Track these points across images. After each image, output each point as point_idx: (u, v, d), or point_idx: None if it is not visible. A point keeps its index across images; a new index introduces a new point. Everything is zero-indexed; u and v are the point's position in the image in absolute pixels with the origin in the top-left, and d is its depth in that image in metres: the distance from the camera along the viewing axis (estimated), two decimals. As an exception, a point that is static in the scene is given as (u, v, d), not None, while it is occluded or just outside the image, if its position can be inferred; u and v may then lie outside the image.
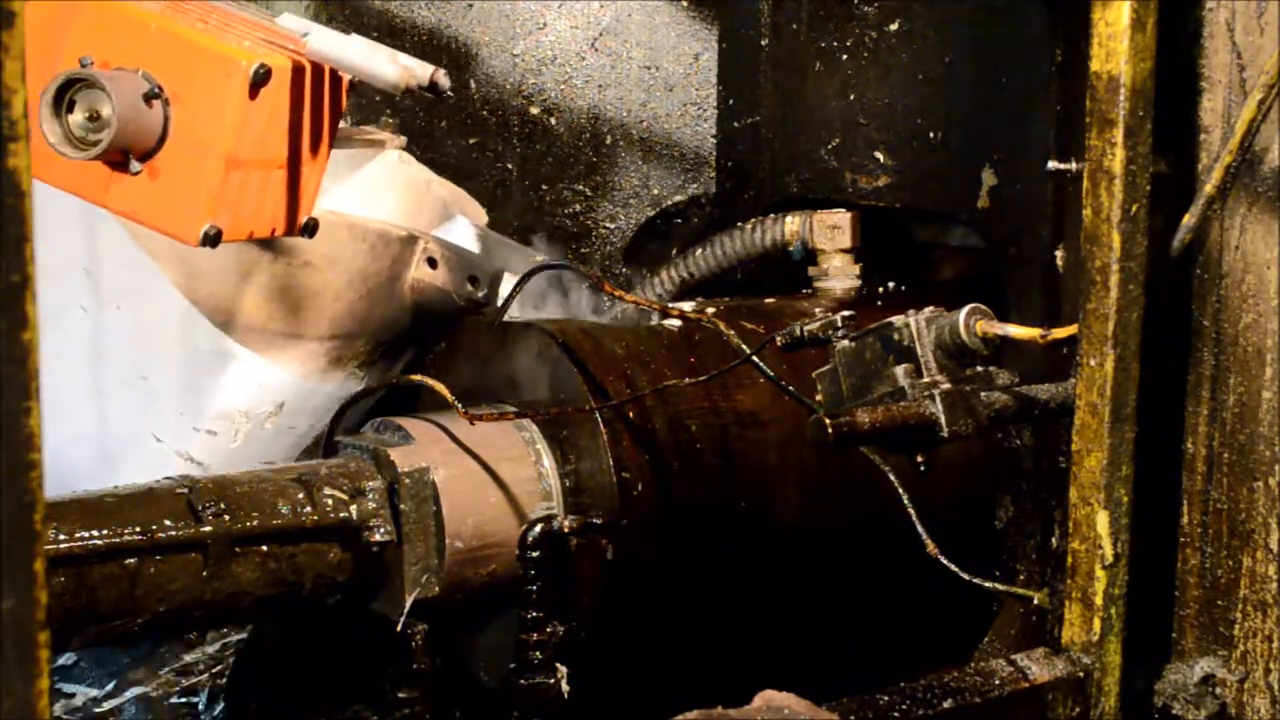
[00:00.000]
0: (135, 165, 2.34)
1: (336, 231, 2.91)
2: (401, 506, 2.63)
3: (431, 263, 3.08)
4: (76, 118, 2.32)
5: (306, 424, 3.12)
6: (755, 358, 2.71)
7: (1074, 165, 2.66)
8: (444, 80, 2.49)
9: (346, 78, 2.57)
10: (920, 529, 2.54)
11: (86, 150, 2.32)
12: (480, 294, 3.09)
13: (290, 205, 2.56)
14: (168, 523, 2.45)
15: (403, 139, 3.28)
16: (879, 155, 3.26)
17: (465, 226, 3.26)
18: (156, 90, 2.32)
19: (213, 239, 2.38)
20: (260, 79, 2.37)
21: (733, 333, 2.79)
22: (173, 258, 2.86)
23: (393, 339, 3.13)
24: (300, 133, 2.52)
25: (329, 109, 2.57)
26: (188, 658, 3.71)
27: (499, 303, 3.01)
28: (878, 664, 3.06)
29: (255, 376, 2.98)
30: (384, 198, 3.10)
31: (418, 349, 3.15)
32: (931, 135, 3.15)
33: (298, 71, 2.47)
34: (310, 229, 2.62)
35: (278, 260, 2.90)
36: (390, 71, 2.46)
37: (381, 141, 3.20)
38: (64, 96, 2.31)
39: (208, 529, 2.47)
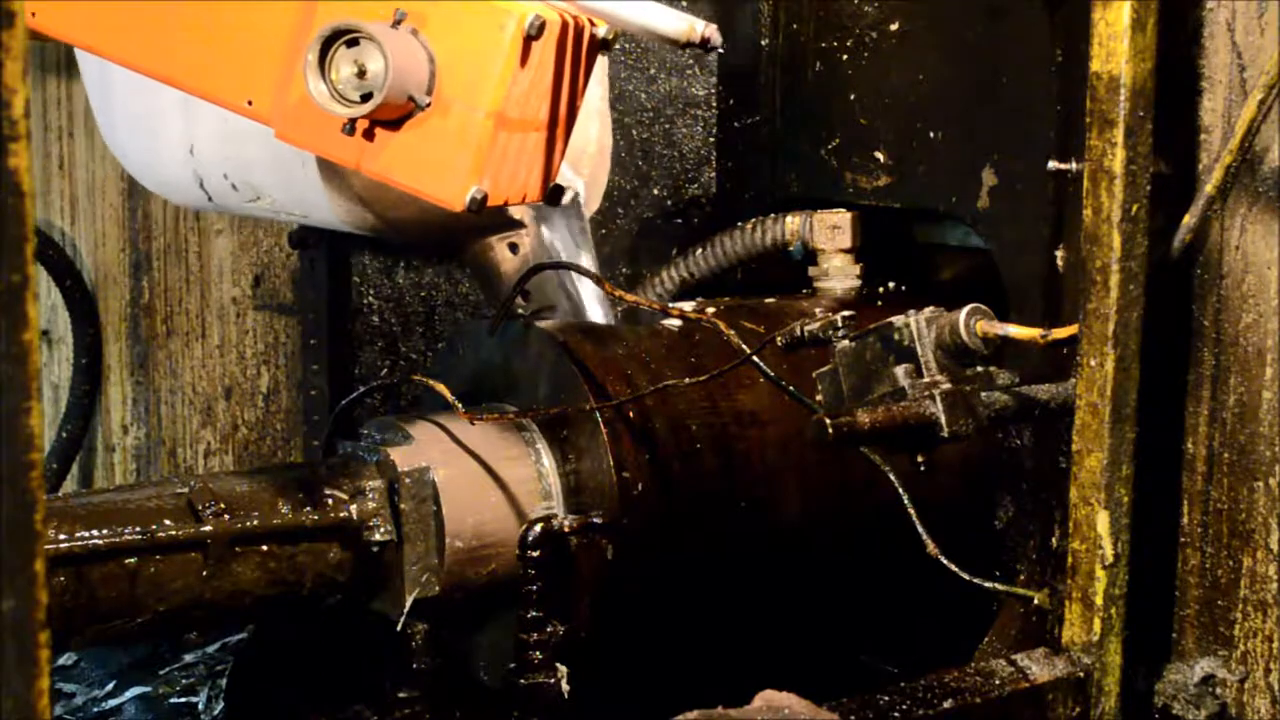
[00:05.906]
0: (360, 126, 2.17)
1: None
2: (401, 506, 2.63)
3: (513, 248, 3.01)
4: (343, 73, 2.16)
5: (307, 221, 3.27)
6: (755, 358, 2.71)
7: (1074, 165, 2.66)
8: (716, 37, 2.36)
9: (600, 35, 2.38)
10: (920, 529, 2.54)
11: (352, 107, 2.15)
12: (525, 307, 2.95)
13: (545, 170, 2.36)
14: (168, 522, 2.45)
15: None
16: (879, 155, 3.26)
17: (566, 215, 3.09)
18: (425, 47, 2.17)
19: (479, 203, 2.19)
20: (534, 33, 2.19)
21: (733, 333, 2.79)
22: None
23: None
24: (560, 93, 2.33)
25: (585, 68, 2.38)
26: (188, 658, 3.71)
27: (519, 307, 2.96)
28: (878, 663, 3.06)
29: (308, 194, 2.98)
30: None
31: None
32: (931, 135, 3.15)
33: (563, 27, 2.29)
34: (556, 196, 2.43)
35: None
36: (674, 25, 2.31)
37: None
38: (330, 50, 2.16)
39: (208, 529, 2.47)
